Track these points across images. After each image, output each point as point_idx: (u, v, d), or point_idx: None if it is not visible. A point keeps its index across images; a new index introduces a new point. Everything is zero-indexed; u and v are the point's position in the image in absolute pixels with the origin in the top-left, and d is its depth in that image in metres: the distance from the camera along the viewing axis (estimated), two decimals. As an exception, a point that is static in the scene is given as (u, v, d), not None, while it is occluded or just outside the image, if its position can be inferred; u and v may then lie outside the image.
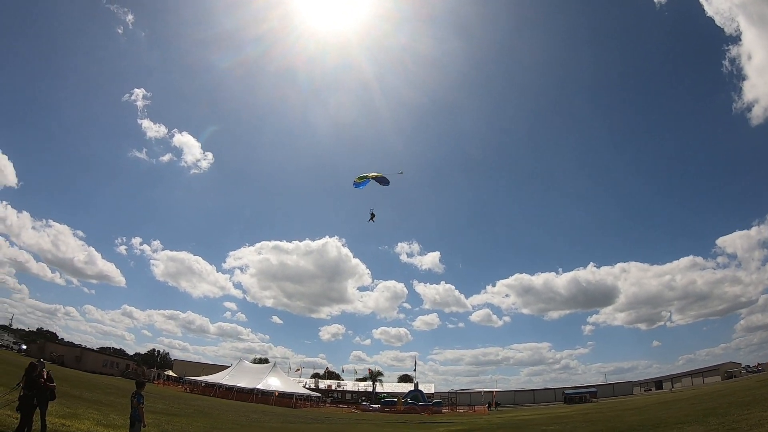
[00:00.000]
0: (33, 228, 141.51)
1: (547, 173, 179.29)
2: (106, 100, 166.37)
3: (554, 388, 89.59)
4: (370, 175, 27.72)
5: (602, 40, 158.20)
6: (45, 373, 11.30)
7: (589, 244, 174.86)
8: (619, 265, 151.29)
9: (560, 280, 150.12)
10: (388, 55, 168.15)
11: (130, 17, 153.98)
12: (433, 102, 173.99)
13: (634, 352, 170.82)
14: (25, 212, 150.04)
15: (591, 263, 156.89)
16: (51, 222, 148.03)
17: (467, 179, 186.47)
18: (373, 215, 29.76)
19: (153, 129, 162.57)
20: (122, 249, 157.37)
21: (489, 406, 67.47)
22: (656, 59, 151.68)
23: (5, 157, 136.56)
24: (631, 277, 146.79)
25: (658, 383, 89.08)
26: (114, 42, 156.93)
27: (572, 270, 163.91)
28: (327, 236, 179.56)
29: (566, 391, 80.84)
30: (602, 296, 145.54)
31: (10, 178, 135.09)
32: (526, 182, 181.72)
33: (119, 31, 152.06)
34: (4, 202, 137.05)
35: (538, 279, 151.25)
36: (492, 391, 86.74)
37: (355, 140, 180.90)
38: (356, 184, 28.16)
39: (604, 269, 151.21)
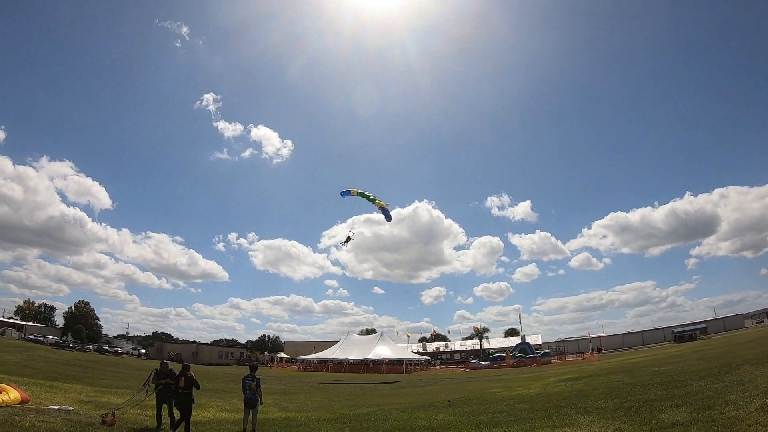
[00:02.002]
0: (134, 242, 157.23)
1: (629, 102, 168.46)
2: (180, 111, 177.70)
3: (662, 328, 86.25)
4: (377, 202, 28.05)
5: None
6: (183, 379, 11.09)
7: (682, 172, 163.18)
8: (718, 190, 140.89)
9: (657, 214, 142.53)
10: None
11: (184, 29, 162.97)
12: (513, 45, 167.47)
13: (742, 283, 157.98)
14: (124, 229, 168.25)
15: (687, 192, 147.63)
16: (149, 233, 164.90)
17: (550, 123, 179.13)
18: (348, 239, 30.59)
19: (229, 128, 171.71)
20: (220, 246, 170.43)
21: (593, 352, 66.99)
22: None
23: (96, 183, 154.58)
24: (732, 203, 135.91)
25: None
26: (175, 55, 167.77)
27: (668, 202, 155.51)
28: (416, 201, 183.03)
29: (675, 330, 77.91)
30: (703, 226, 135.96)
31: (105, 201, 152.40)
32: (609, 116, 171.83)
33: (177, 44, 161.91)
34: (104, 224, 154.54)
35: (634, 215, 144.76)
36: (599, 337, 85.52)
37: (433, 99, 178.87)
38: (344, 193, 28.92)
39: (702, 197, 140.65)
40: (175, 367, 11.62)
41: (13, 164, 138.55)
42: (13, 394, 12.01)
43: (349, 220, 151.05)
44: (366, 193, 28.39)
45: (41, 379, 19.82)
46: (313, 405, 19.28)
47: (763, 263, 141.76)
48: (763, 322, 79.56)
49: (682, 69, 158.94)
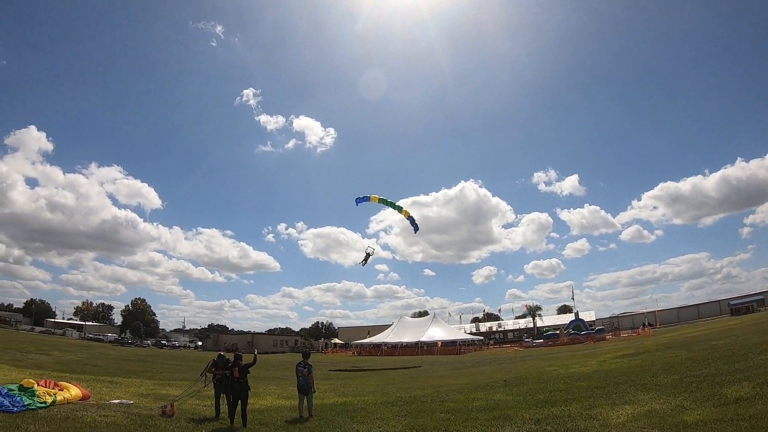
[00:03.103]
0: (186, 239, 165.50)
1: (676, 68, 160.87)
2: (221, 108, 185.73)
3: (718, 301, 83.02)
4: (404, 211, 27.39)
5: None
6: (236, 369, 11.24)
7: (732, 137, 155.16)
8: None
9: (708, 182, 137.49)
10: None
11: (219, 28, 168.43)
12: (555, 19, 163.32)
13: None
14: (175, 227, 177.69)
15: (738, 158, 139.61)
16: (200, 229, 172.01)
17: (592, 94, 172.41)
18: (368, 256, 28.89)
19: (272, 121, 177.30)
20: (270, 237, 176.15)
21: (644, 327, 65.23)
22: None
23: (145, 185, 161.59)
24: None
25: (833, 280, 78.33)
26: (212, 54, 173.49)
27: (720, 169, 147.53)
28: (462, 181, 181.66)
29: (731, 302, 75.04)
30: (757, 193, 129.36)
31: (155, 201, 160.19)
32: (655, 84, 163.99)
33: (213, 44, 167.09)
34: (155, 223, 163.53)
35: (685, 185, 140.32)
36: (654, 311, 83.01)
37: (473, 77, 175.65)
38: (360, 199, 27.65)
39: (754, 162, 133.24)
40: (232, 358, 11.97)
41: (64, 173, 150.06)
42: (74, 391, 12.59)
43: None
44: (389, 201, 27.89)
45: (102, 376, 20.86)
46: (369, 389, 19.87)
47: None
48: (825, 289, 75.39)
49: (730, 30, 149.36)
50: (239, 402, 10.95)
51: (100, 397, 13.74)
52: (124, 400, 13.48)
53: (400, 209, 28.29)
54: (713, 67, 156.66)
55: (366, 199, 28.83)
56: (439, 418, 11.18)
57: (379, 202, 28.82)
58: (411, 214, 27.92)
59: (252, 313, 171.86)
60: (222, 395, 11.72)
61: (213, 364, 12.42)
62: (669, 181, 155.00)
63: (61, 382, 13.21)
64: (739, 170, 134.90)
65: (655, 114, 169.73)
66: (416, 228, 28.40)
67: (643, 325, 69.09)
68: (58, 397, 11.61)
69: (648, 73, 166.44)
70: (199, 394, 13.75)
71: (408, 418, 11.41)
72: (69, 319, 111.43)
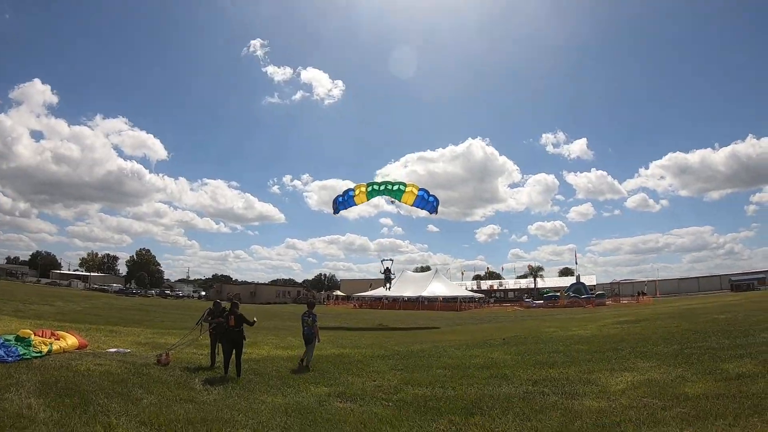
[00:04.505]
0: (191, 190, 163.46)
1: (692, 40, 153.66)
2: (228, 59, 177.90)
3: (719, 275, 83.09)
4: (409, 189, 23.84)
5: None
6: (232, 317, 10.89)
7: (745, 113, 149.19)
8: None
9: (718, 156, 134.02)
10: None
11: None
12: None
13: None
14: (181, 178, 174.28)
15: (750, 134, 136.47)
16: (206, 180, 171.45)
17: (609, 58, 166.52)
18: (388, 272, 28.32)
19: (279, 73, 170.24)
20: (275, 189, 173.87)
21: (639, 295, 65.51)
22: None
23: (151, 136, 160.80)
24: None
25: (835, 266, 78.09)
26: (219, 3, 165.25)
27: (730, 144, 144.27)
28: (470, 138, 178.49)
29: (732, 278, 75.04)
30: (766, 171, 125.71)
31: (161, 153, 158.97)
32: (670, 54, 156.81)
33: None
34: (161, 174, 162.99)
35: (694, 157, 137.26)
36: (654, 281, 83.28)
37: (485, 34, 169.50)
38: (341, 203, 25.13)
39: (766, 140, 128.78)
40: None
41: (69, 125, 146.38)
42: (71, 341, 12.55)
43: (403, 159, 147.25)
44: (384, 187, 24.64)
45: (102, 325, 20.82)
46: (366, 341, 19.93)
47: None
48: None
49: (748, 4, 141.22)
50: (233, 351, 10.82)
51: (97, 346, 13.76)
52: (121, 349, 13.50)
53: (399, 194, 24.63)
54: (733, 43, 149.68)
55: (348, 202, 25.83)
56: (436, 373, 11.21)
57: (368, 198, 25.60)
58: (419, 191, 24.63)
59: (256, 264, 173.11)
60: (218, 344, 11.58)
61: (209, 312, 12.31)
62: (678, 152, 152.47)
63: (58, 332, 13.24)
64: (749, 147, 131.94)
65: (670, 83, 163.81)
66: (433, 210, 25.88)
67: (639, 293, 69.32)
68: (54, 347, 11.66)
69: (667, 43, 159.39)
70: (197, 343, 13.73)
71: (404, 373, 11.44)
72: (75, 271, 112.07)
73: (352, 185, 26.75)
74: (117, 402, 7.66)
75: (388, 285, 29.31)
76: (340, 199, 25.56)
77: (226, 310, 11.34)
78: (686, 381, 8.91)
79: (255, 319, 11.67)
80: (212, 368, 11.43)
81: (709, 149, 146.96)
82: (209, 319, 12.11)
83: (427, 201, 25.12)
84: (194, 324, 13.24)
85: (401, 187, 24.43)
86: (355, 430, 6.93)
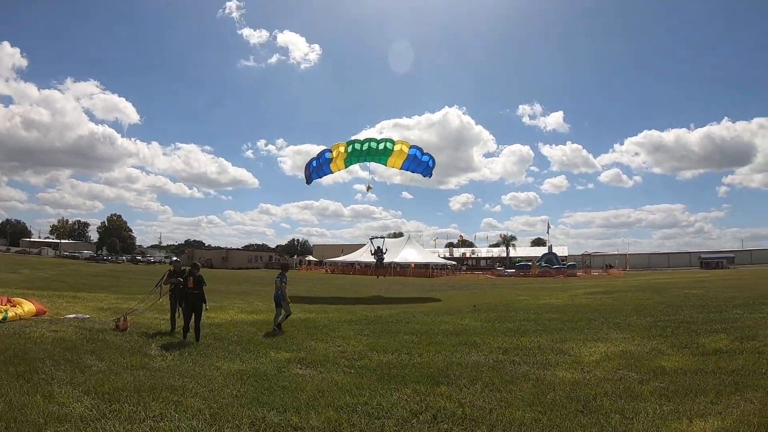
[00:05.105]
0: (164, 154, 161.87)
1: (673, 18, 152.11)
2: (203, 21, 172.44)
3: (689, 252, 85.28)
4: (400, 147, 20.77)
5: None
6: (191, 279, 10.45)
7: (722, 96, 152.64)
8: (757, 120, 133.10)
9: (693, 137, 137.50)
10: None
11: None
12: None
13: None
14: (153, 142, 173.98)
15: (725, 118, 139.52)
16: (179, 144, 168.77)
17: (589, 31, 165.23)
18: (380, 251, 25.51)
19: (255, 35, 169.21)
20: (249, 153, 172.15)
21: (606, 268, 66.85)
22: None
23: (123, 99, 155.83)
24: None
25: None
26: None
27: (705, 125, 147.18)
28: (446, 106, 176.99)
29: (702, 256, 77.13)
30: (738, 155, 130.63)
31: (133, 116, 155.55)
32: (651, 30, 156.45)
33: None
34: (133, 139, 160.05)
35: (669, 135, 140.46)
36: (626, 255, 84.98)
37: (466, 3, 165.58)
38: (314, 173, 22.23)
39: (740, 124, 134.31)
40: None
41: (39, 89, 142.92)
42: (27, 307, 12.08)
43: (378, 125, 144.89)
44: (366, 146, 21.35)
45: (66, 291, 20.12)
46: (335, 305, 19.51)
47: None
48: (792, 260, 78.17)
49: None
50: (193, 315, 10.31)
51: (56, 312, 13.18)
52: (80, 315, 12.98)
53: (386, 155, 21.28)
54: (715, 27, 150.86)
55: (324, 168, 22.63)
56: (403, 339, 10.68)
57: (347, 164, 22.44)
58: (410, 150, 21.40)
59: (229, 230, 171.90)
60: (179, 308, 11.06)
61: (169, 274, 11.68)
62: (654, 130, 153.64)
63: (15, 298, 12.75)
64: (724, 129, 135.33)
65: (649, 61, 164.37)
66: (428, 172, 22.71)
67: (607, 266, 70.61)
68: (10, 314, 11.14)
69: (647, 23, 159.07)
70: (160, 308, 13.23)
71: (370, 338, 10.92)
72: (46, 239, 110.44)
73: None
74: (64, 370, 7.20)
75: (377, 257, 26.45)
76: (315, 163, 22.43)
77: (185, 272, 10.88)
78: (662, 354, 8.53)
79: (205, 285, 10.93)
80: (172, 333, 10.94)
81: (684, 129, 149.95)
82: (170, 281, 11.51)
83: (420, 161, 21.93)
84: (153, 287, 12.56)
85: (388, 145, 21.37)
86: (311, 399, 6.33)
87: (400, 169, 22.27)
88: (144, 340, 10.01)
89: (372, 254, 26.93)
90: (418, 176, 23.54)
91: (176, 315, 11.22)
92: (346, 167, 22.29)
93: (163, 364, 8.02)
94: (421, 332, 11.60)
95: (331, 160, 21.72)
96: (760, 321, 11.50)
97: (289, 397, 6.32)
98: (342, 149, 21.40)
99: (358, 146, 21.37)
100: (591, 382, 6.92)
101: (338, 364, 8.34)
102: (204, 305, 10.47)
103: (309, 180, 23.20)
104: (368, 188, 30.94)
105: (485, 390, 6.65)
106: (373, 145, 21.39)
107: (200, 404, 5.83)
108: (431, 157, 22.45)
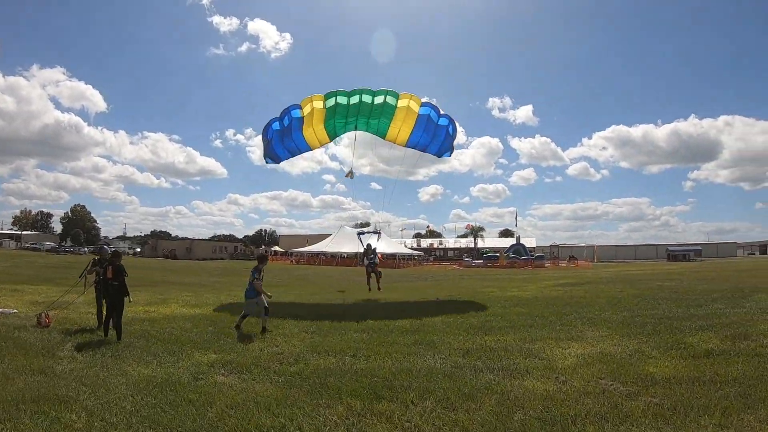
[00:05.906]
0: (131, 143, 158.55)
1: (643, 16, 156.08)
2: (173, 8, 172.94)
3: (656, 245, 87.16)
4: (400, 102, 14.09)
5: None
6: (111, 268, 9.12)
7: (690, 93, 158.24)
8: (723, 117, 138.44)
9: (660, 132, 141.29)
10: None
11: None
12: None
13: (736, 213, 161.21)
14: (120, 131, 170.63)
15: (692, 114, 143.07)
16: (146, 133, 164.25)
17: (560, 26, 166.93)
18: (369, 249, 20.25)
19: (225, 23, 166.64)
20: (218, 143, 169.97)
21: (571, 259, 67.20)
22: None
23: (90, 87, 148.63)
24: (736, 132, 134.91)
25: (763, 247, 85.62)
26: None
27: (672, 122, 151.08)
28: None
29: (669, 248, 78.39)
30: (704, 151, 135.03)
31: (100, 104, 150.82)
32: (621, 26, 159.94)
33: None
34: (100, 127, 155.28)
35: (636, 131, 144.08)
36: (593, 246, 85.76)
37: None
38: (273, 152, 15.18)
39: (707, 122, 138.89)
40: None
41: (4, 76, 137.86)
42: None
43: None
44: (361, 98, 14.03)
45: (6, 284, 18.56)
46: (291, 298, 18.10)
47: (759, 197, 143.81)
48: (755, 254, 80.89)
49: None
50: (112, 309, 9.04)
51: None
52: (7, 309, 11.84)
53: (387, 119, 14.61)
54: (686, 24, 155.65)
55: (297, 140, 15.00)
56: (351, 338, 9.24)
57: (330, 134, 15.13)
58: (422, 108, 14.44)
59: (197, 220, 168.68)
60: (104, 301, 9.61)
61: (93, 263, 10.31)
62: (622, 125, 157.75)
63: None
64: (691, 126, 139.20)
65: (618, 57, 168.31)
66: (446, 149, 16.48)
67: (571, 257, 70.91)
68: None
69: (618, 19, 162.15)
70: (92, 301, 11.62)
71: (315, 336, 9.47)
72: (9, 230, 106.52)
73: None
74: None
75: (365, 259, 20.14)
76: (277, 125, 14.75)
77: (106, 260, 9.61)
78: (647, 357, 7.30)
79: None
80: (98, 329, 9.67)
81: (651, 125, 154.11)
82: (93, 269, 10.20)
83: (437, 125, 14.88)
84: (78, 277, 11.15)
85: (389, 100, 14.10)
86: (217, 418, 5.01)
87: (406, 145, 15.54)
88: (61, 338, 8.85)
89: (363, 256, 21.33)
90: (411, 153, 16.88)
91: (102, 309, 9.79)
92: (330, 137, 15.21)
93: (66, 369, 6.88)
94: (374, 329, 10.17)
95: (302, 120, 14.47)
96: (745, 317, 10.48)
97: (192, 415, 5.07)
98: (319, 104, 14.23)
99: (343, 99, 14.12)
100: (568, 396, 5.58)
101: (268, 369, 6.99)
102: (127, 298, 9.08)
103: (269, 154, 15.59)
104: (350, 174, 18.64)
105: (437, 408, 5.26)
106: (367, 98, 14.12)
107: (81, 423, 4.82)
108: (450, 120, 15.39)
